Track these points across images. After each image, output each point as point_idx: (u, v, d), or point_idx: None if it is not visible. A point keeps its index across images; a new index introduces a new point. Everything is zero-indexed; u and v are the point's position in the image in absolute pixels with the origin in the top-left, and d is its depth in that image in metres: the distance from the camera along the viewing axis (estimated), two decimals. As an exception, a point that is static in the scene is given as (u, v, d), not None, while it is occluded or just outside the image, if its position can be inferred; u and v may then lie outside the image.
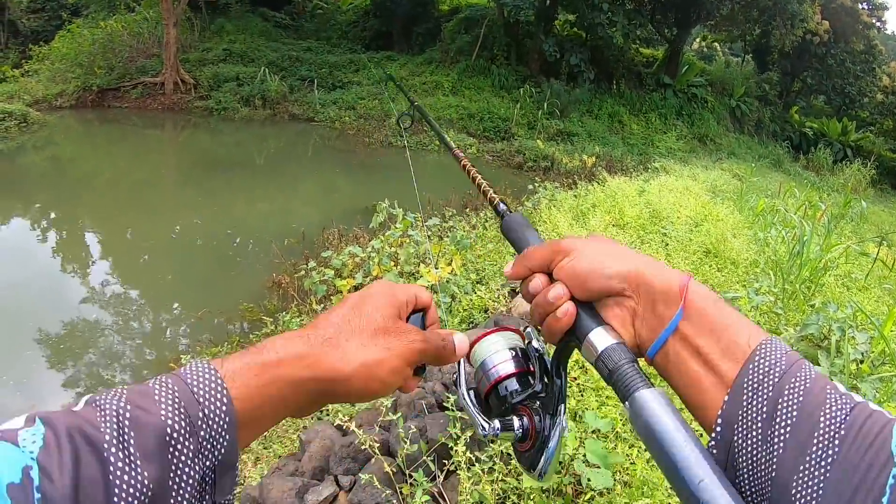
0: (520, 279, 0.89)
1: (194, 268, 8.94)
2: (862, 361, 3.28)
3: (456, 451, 2.86)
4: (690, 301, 0.72)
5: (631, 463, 2.78)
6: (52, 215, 11.37)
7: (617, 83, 25.21)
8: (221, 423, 0.60)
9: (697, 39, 38.47)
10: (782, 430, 0.61)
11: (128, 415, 0.56)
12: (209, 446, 0.59)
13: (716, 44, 37.67)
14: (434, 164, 17.42)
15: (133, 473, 0.52)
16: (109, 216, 11.37)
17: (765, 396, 0.63)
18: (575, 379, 3.46)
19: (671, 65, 26.57)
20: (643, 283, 0.76)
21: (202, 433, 0.58)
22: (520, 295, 5.23)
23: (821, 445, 0.58)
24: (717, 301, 0.73)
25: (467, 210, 9.89)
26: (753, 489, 0.62)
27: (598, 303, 0.80)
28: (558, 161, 17.12)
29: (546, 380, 0.85)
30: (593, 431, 2.92)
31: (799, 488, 0.57)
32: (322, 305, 6.22)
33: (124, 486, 0.51)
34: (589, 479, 2.61)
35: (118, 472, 0.51)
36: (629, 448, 2.91)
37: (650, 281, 0.76)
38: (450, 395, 3.33)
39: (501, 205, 1.17)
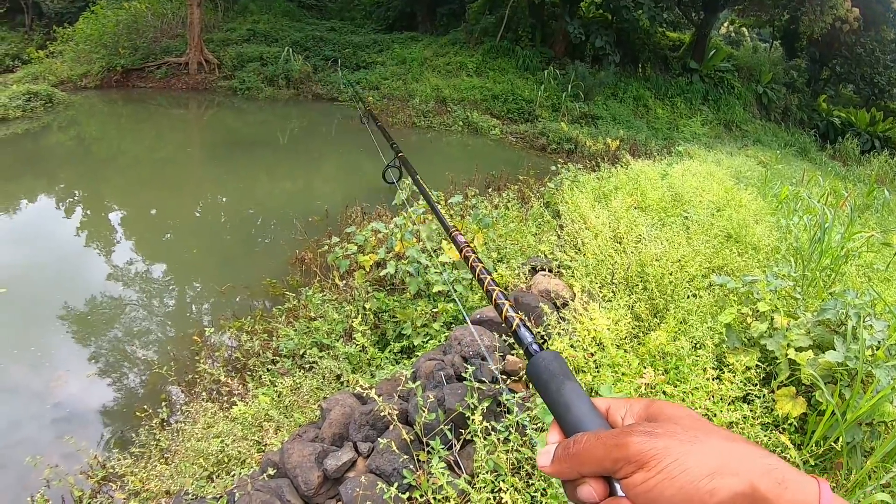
0: (562, 478, 0.69)
1: (218, 244, 9.04)
2: (878, 348, 3.29)
3: (473, 420, 2.92)
4: None
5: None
6: (77, 194, 11.51)
7: (642, 66, 25.01)
8: None
9: (725, 24, 38.00)
10: None
11: None
12: None
13: (744, 28, 37.21)
14: (458, 144, 17.44)
15: None
16: (134, 194, 11.50)
17: None
18: (592, 355, 3.50)
19: (698, 49, 26.29)
20: None
21: None
22: (540, 273, 5.28)
23: None
24: None
25: (490, 190, 9.92)
26: None
27: None
28: (582, 144, 17.05)
29: None
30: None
31: None
32: (344, 281, 6.30)
33: None
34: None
35: None
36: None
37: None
38: (468, 367, 3.38)
39: (526, 334, 0.95)
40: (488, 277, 1.09)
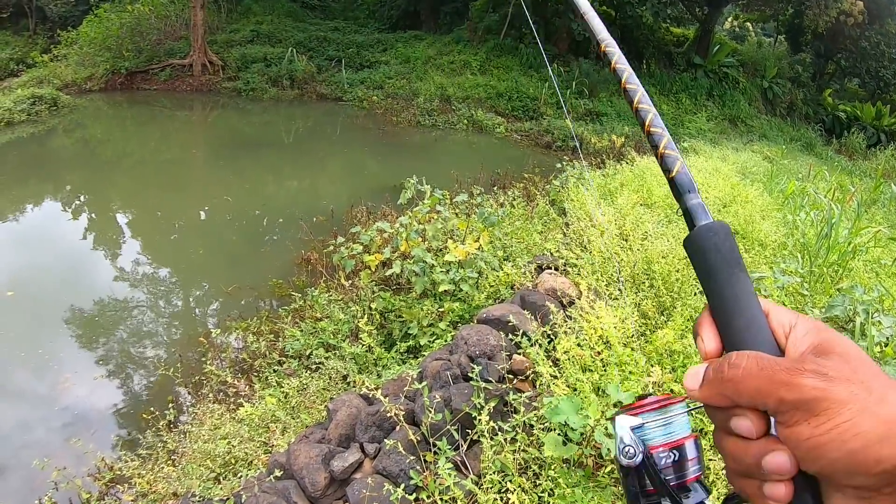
0: (712, 405, 0.61)
1: (224, 245, 9.05)
2: (887, 344, 3.27)
3: (479, 420, 2.91)
4: None
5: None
6: (83, 196, 11.56)
7: (647, 63, 24.97)
8: None
9: (729, 19, 37.90)
10: None
11: None
12: None
13: (748, 23, 37.10)
14: (462, 143, 17.44)
15: None
16: (140, 196, 11.52)
17: None
18: (599, 353, 3.49)
19: (702, 45, 26.22)
20: None
21: None
22: (546, 271, 5.27)
23: None
24: None
25: (495, 188, 9.91)
26: None
27: (830, 484, 0.54)
28: (587, 141, 17.03)
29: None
30: (615, 404, 2.95)
31: None
32: (350, 281, 6.30)
33: None
34: (609, 450, 2.65)
35: None
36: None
37: None
38: (474, 366, 3.37)
39: (694, 193, 0.73)
40: (640, 90, 0.84)
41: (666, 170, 0.76)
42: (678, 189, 0.74)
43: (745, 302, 0.62)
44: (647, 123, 0.80)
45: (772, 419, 0.56)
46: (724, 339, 0.63)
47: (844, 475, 0.51)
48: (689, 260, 0.68)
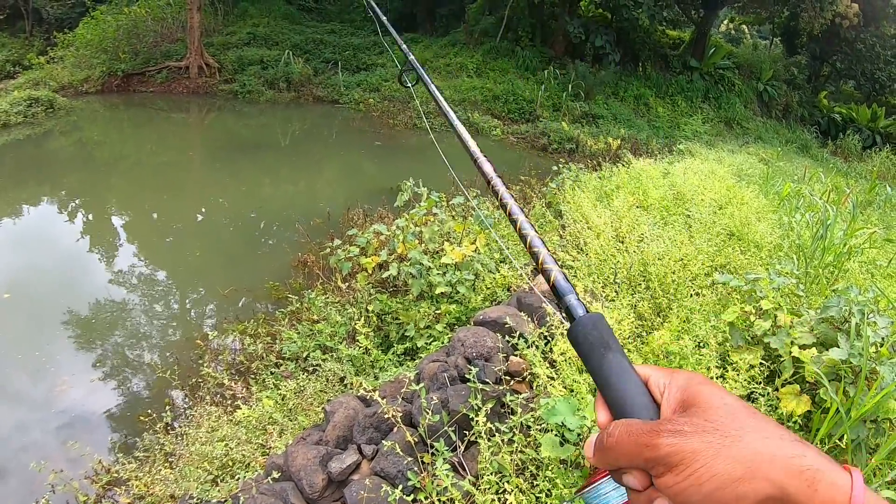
0: (602, 468, 0.71)
1: (220, 248, 9.05)
2: (882, 345, 3.28)
3: (477, 421, 2.92)
4: None
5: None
6: (79, 199, 11.54)
7: (643, 65, 25.02)
8: None
9: (725, 21, 37.99)
10: None
11: None
12: None
13: (743, 26, 37.23)
14: (459, 145, 17.37)
15: None
16: (136, 199, 11.52)
17: None
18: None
19: (698, 47, 26.29)
20: None
21: None
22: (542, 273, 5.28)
23: None
24: None
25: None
26: None
27: None
28: (583, 143, 17.07)
29: None
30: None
31: None
32: (347, 283, 6.30)
33: None
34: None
35: None
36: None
37: None
38: (471, 368, 3.38)
39: (566, 282, 0.87)
40: (521, 217, 0.97)
41: (547, 279, 0.88)
42: (559, 292, 0.86)
43: (618, 376, 0.72)
44: (528, 243, 0.94)
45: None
46: (611, 410, 0.72)
47: None
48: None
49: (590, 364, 0.75)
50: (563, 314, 0.84)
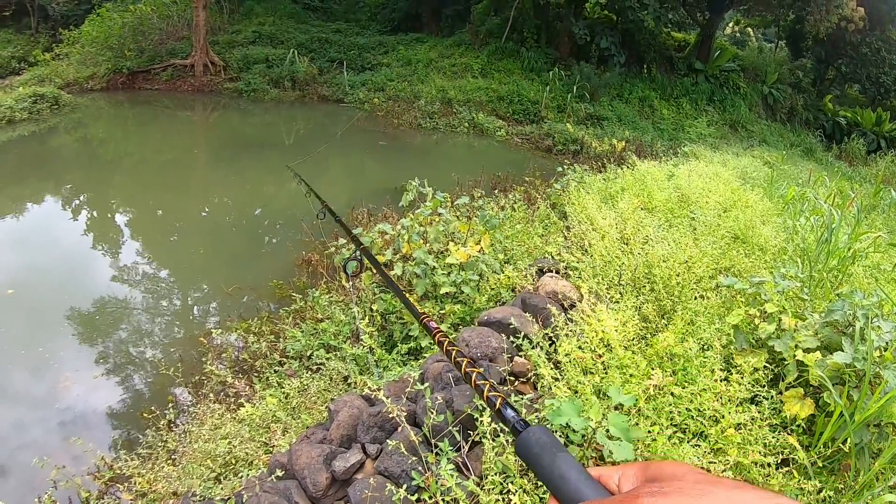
0: None
1: (224, 246, 9.06)
2: (886, 349, 3.28)
3: (481, 422, 2.92)
4: None
5: (653, 439, 2.82)
6: (84, 196, 11.56)
7: (648, 67, 25.00)
8: None
9: (730, 24, 37.94)
10: None
11: None
12: None
13: (749, 29, 37.17)
14: (463, 146, 17.46)
15: None
16: (140, 196, 11.54)
17: None
18: (600, 356, 3.50)
19: (703, 49, 26.26)
20: None
21: None
22: (547, 274, 5.28)
23: None
24: None
25: (496, 191, 9.92)
26: None
27: None
28: (588, 145, 17.05)
29: None
30: (616, 406, 2.96)
31: None
32: (350, 283, 6.30)
33: None
34: (611, 452, 2.66)
35: None
36: (651, 425, 2.95)
37: None
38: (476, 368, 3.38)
39: (511, 412, 0.94)
40: (465, 360, 1.09)
41: (491, 406, 0.98)
42: (504, 417, 0.95)
43: (572, 471, 0.73)
44: (472, 381, 1.06)
45: None
46: None
47: None
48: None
49: (540, 465, 0.77)
50: (510, 430, 0.90)
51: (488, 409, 0.96)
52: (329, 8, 30.43)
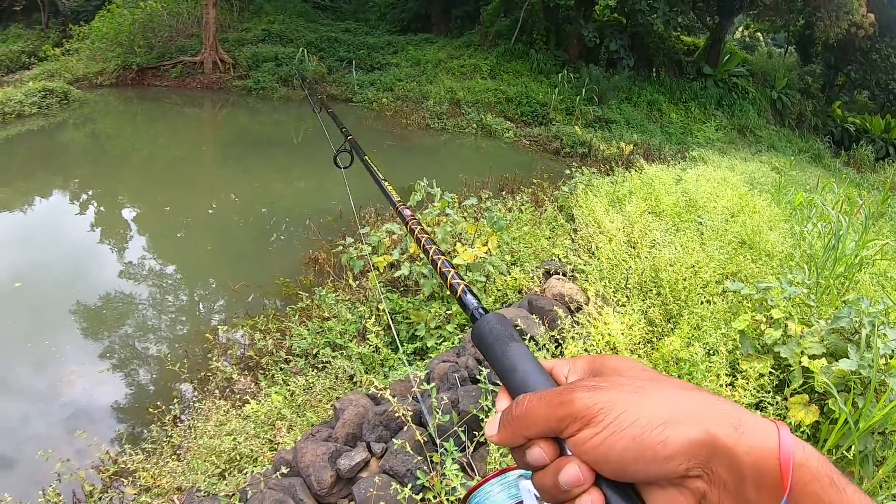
0: (511, 446, 0.64)
1: (231, 243, 9.07)
2: (892, 356, 3.28)
3: (486, 422, 2.92)
4: (799, 483, 0.52)
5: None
6: (92, 191, 11.59)
7: (657, 71, 24.96)
8: None
9: (740, 28, 37.84)
10: None
11: None
12: None
13: (758, 33, 37.05)
14: (471, 147, 17.46)
15: None
16: (148, 192, 11.56)
17: None
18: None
19: (712, 54, 26.21)
20: (721, 455, 0.53)
21: None
22: (554, 277, 5.29)
23: None
24: (838, 479, 0.53)
25: (503, 193, 9.92)
26: None
27: (641, 484, 0.57)
28: (596, 147, 17.02)
29: None
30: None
31: None
32: (357, 282, 6.32)
33: None
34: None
35: None
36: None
37: (733, 452, 0.52)
38: (482, 369, 3.39)
39: (471, 298, 0.91)
40: (433, 248, 1.07)
41: (453, 291, 0.95)
42: (465, 304, 0.91)
43: (522, 361, 0.69)
44: (437, 267, 1.04)
45: (566, 445, 0.59)
46: (514, 396, 0.68)
47: (641, 465, 0.53)
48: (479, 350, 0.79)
49: (493, 354, 0.74)
50: (469, 317, 0.86)
51: (451, 294, 0.93)
52: (339, 7, 30.44)
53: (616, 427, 0.54)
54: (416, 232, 1.17)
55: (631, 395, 0.56)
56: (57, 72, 21.06)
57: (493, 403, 3.19)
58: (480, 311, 0.85)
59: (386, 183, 1.62)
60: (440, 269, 1.01)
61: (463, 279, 0.95)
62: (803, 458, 0.52)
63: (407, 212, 1.32)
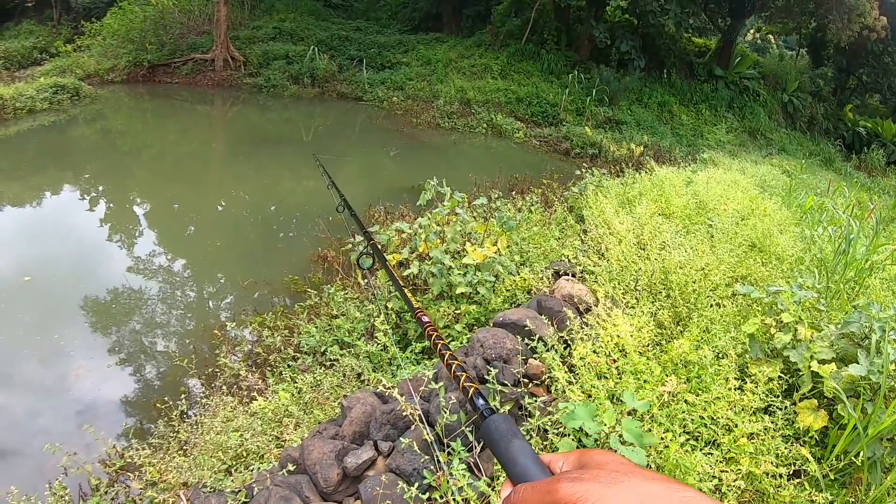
0: None
1: (240, 240, 9.09)
2: (903, 361, 3.26)
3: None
4: None
5: (665, 446, 2.82)
6: (101, 186, 11.64)
7: (668, 72, 24.91)
8: None
9: (751, 30, 37.70)
10: None
11: None
12: None
13: (770, 36, 36.90)
14: (481, 146, 17.46)
15: None
16: (157, 188, 11.61)
17: None
18: (615, 361, 3.50)
19: (723, 56, 26.14)
20: None
21: None
22: (563, 277, 5.28)
23: None
24: None
25: (513, 193, 9.91)
26: None
27: None
28: (606, 148, 17.00)
29: None
30: (630, 412, 2.96)
31: None
32: (366, 280, 6.32)
33: None
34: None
35: None
36: (664, 432, 2.94)
37: None
38: (490, 369, 3.39)
39: (481, 401, 1.05)
40: (448, 354, 1.22)
41: (465, 393, 1.09)
42: (475, 404, 1.05)
43: (522, 455, 0.82)
44: (452, 371, 1.17)
45: None
46: (515, 484, 0.80)
47: None
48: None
49: (498, 449, 0.86)
50: (479, 416, 0.99)
51: (463, 395, 1.07)
52: (350, 6, 30.53)
53: None
54: (433, 338, 1.34)
55: (605, 486, 0.65)
56: (68, 68, 21.20)
57: (500, 404, 3.19)
58: (489, 410, 0.98)
59: (406, 291, 1.85)
60: (454, 372, 1.14)
61: (474, 383, 1.08)
62: None
63: (425, 318, 1.49)
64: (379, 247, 6.06)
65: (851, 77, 29.28)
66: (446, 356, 1.19)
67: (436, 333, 1.32)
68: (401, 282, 1.84)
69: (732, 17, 25.65)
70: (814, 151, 24.02)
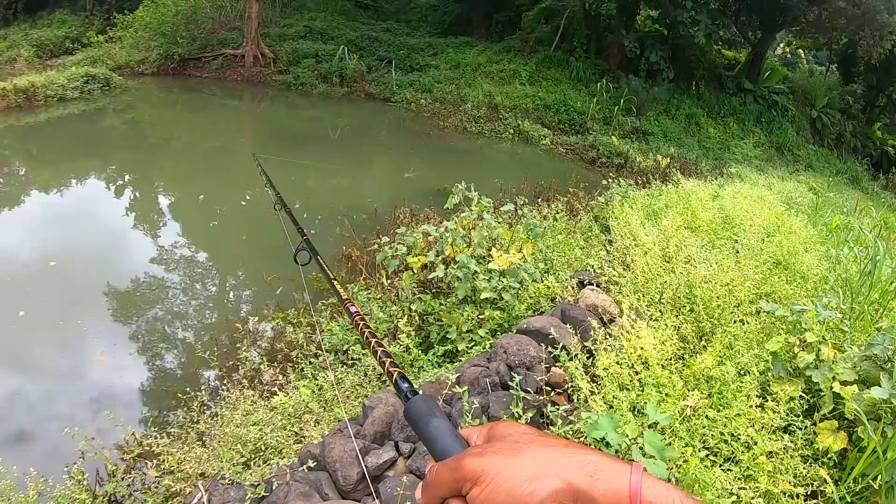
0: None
1: (264, 235, 9.13)
2: (925, 385, 3.25)
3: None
4: None
5: (685, 461, 2.82)
6: (129, 176, 11.76)
7: (696, 84, 24.78)
8: None
9: (782, 45, 37.43)
10: None
11: None
12: None
13: (800, 50, 36.62)
14: (507, 152, 17.46)
15: None
16: (184, 180, 11.72)
17: None
18: (637, 373, 3.50)
19: (753, 69, 25.97)
20: (582, 499, 0.66)
21: None
22: (588, 287, 5.28)
23: None
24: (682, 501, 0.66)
25: (538, 200, 9.90)
26: None
27: None
28: (632, 159, 16.91)
29: None
30: (651, 425, 2.97)
31: None
32: (390, 281, 6.35)
33: None
34: (644, 469, 2.66)
35: None
36: (685, 446, 2.95)
37: (590, 495, 0.66)
38: (514, 375, 3.41)
39: (403, 381, 1.07)
40: (374, 340, 1.25)
41: (390, 377, 1.11)
42: (399, 387, 1.06)
43: (440, 433, 0.84)
44: (377, 355, 1.20)
45: None
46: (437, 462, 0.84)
47: None
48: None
49: (419, 429, 0.88)
50: (402, 399, 1.00)
51: (387, 378, 1.10)
52: (380, 7, 30.62)
53: (495, 485, 0.68)
54: (360, 326, 1.36)
55: (507, 457, 0.70)
56: (100, 58, 21.44)
57: (522, 411, 3.21)
58: (411, 392, 1.01)
59: (336, 283, 1.86)
60: (380, 357, 1.18)
61: (398, 367, 1.11)
62: (652, 496, 0.65)
63: (353, 308, 1.48)
64: (406, 249, 6.11)
65: (881, 95, 28.97)
66: (372, 343, 1.23)
67: (363, 322, 1.36)
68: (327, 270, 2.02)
69: (763, 30, 25.48)
70: (841, 169, 23.79)
